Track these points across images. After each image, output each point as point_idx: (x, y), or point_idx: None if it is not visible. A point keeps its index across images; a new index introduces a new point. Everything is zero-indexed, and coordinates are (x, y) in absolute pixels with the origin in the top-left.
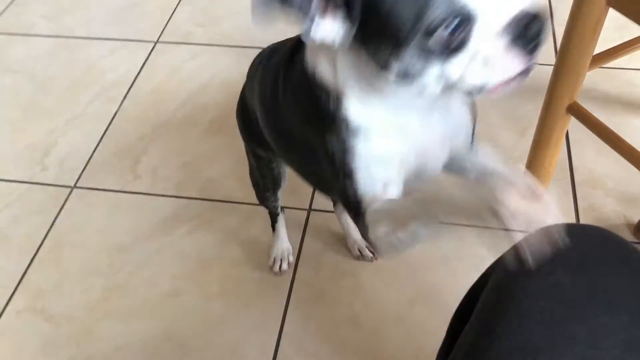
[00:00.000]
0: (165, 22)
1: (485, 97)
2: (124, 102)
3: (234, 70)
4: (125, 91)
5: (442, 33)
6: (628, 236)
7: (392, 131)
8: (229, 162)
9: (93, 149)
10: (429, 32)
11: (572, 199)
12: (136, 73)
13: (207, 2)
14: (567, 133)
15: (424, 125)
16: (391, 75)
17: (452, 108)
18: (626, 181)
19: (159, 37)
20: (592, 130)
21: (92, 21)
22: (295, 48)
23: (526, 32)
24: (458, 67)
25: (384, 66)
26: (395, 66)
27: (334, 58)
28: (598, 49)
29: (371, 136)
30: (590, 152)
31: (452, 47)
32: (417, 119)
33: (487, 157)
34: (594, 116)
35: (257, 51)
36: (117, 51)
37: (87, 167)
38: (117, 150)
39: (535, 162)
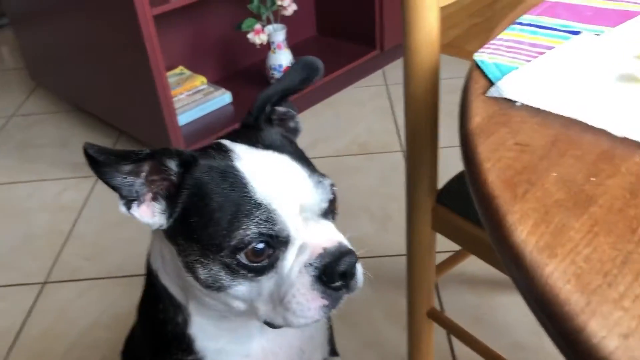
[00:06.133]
0: (54, 260)
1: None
2: (10, 355)
3: (124, 303)
4: (11, 343)
5: (252, 251)
6: None
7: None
8: None
9: None
10: (239, 248)
11: None
12: (22, 320)
13: (96, 235)
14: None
15: (273, 344)
16: (195, 280)
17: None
18: None
19: (47, 276)
20: (451, 332)
21: None
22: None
23: (335, 268)
24: (265, 288)
25: (190, 269)
26: (201, 272)
27: (161, 248)
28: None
29: None
30: None
31: (260, 266)
32: (259, 342)
33: None
34: (450, 320)
35: None
36: (3, 299)
37: None
38: None
39: None
